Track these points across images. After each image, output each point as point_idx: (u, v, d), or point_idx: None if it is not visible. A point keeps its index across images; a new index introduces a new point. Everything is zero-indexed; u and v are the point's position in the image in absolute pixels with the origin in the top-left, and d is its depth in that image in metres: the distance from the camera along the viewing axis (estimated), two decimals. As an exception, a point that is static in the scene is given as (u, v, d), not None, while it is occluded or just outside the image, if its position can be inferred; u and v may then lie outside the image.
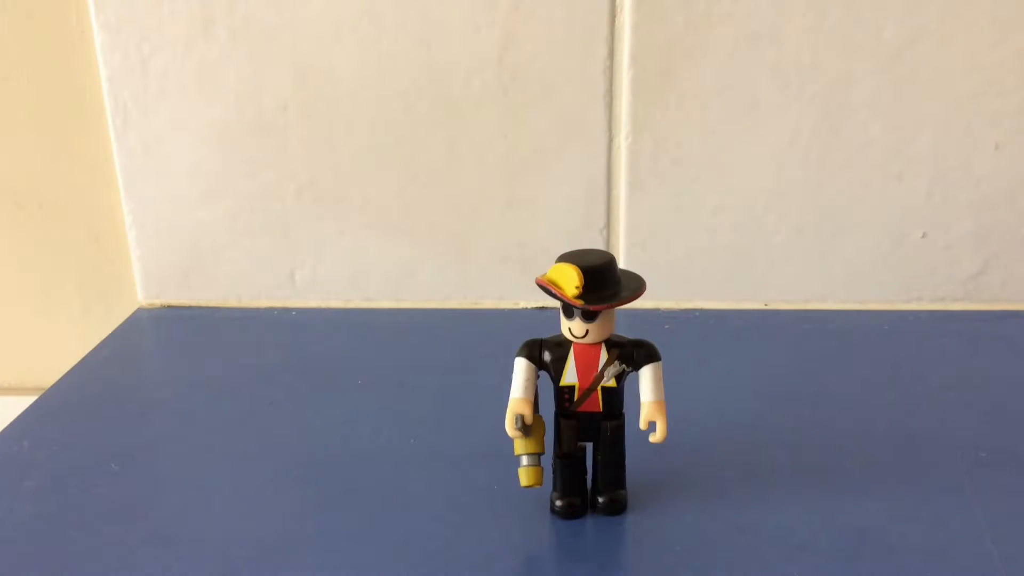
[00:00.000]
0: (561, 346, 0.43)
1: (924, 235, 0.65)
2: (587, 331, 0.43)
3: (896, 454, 0.49)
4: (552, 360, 0.43)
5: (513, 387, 0.43)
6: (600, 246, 0.67)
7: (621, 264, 0.67)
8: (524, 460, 0.44)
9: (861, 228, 0.65)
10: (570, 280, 0.41)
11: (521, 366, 0.43)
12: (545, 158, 0.66)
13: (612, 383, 0.44)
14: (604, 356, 0.43)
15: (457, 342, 0.65)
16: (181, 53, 0.65)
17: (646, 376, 0.44)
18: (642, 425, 0.44)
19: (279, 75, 0.65)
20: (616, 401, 0.44)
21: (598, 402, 0.44)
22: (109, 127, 0.67)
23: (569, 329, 0.43)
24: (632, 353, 0.44)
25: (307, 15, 0.64)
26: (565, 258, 0.42)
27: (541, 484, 0.44)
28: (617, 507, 0.46)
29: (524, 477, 0.44)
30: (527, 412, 0.43)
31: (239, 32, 0.64)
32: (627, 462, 0.45)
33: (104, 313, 0.73)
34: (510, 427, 0.43)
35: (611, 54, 0.63)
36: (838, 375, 0.58)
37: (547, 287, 0.42)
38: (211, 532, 0.45)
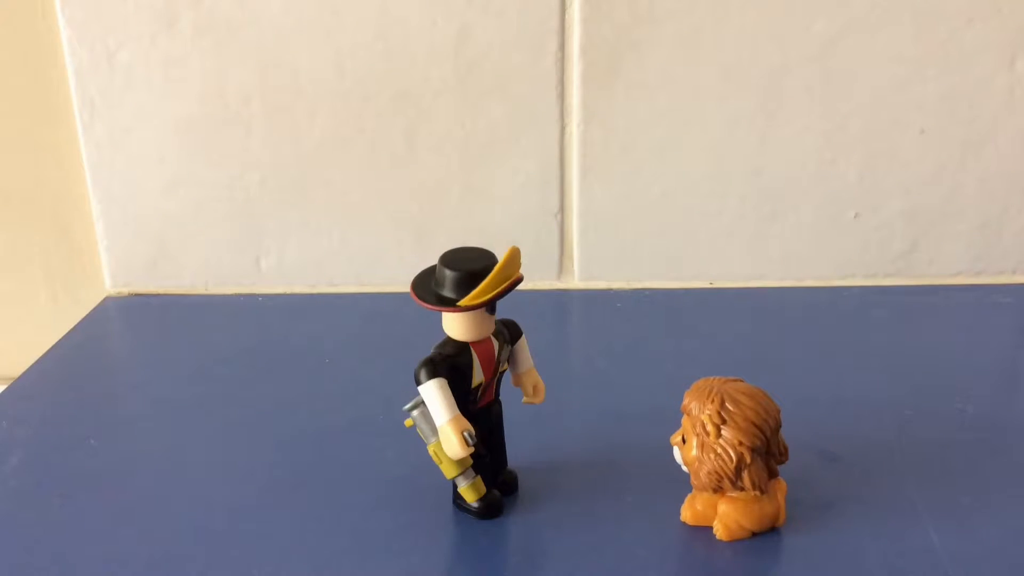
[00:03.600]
0: (463, 352, 0.42)
1: (856, 216, 0.70)
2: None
3: (831, 414, 0.53)
4: (462, 367, 0.42)
5: (441, 411, 0.41)
6: (555, 230, 0.71)
7: (575, 245, 0.71)
8: (461, 480, 0.44)
9: (797, 210, 0.69)
10: (517, 262, 0.42)
11: (438, 386, 0.41)
12: (501, 147, 0.69)
13: (505, 366, 0.44)
14: (496, 344, 0.43)
15: (420, 324, 0.68)
16: (147, 47, 0.67)
17: (522, 347, 0.45)
18: (529, 391, 0.45)
19: (243, 68, 0.67)
20: (499, 384, 0.45)
21: (493, 390, 0.44)
22: (76, 120, 0.69)
23: (492, 323, 0.43)
24: (508, 333, 0.45)
25: (270, 10, 0.66)
26: (451, 261, 0.42)
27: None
28: (515, 484, 0.46)
29: (474, 492, 0.44)
30: (470, 426, 0.42)
31: (203, 27, 0.66)
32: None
33: (72, 303, 0.75)
34: (463, 446, 0.41)
35: (562, 47, 0.67)
36: (777, 346, 0.62)
37: (507, 288, 0.41)
38: (187, 501, 0.48)
